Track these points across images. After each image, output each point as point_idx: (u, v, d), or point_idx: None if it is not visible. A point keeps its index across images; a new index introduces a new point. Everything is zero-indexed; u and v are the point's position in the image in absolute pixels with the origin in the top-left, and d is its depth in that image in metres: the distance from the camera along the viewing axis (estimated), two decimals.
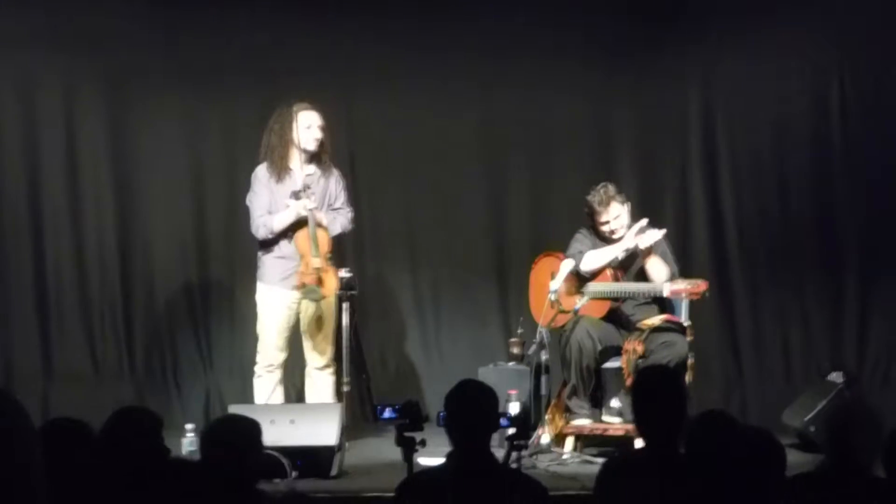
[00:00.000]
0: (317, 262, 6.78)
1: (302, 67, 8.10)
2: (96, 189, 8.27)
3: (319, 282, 6.81)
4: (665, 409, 4.05)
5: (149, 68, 8.13)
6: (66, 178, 8.20)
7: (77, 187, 8.23)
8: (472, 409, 4.01)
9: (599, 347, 6.86)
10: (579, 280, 7.03)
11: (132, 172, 8.29)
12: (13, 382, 7.86)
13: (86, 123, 8.22)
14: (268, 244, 6.96)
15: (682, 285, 6.72)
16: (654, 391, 4.16)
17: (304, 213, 6.79)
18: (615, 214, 6.97)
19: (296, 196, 6.81)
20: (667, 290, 6.75)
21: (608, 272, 7.01)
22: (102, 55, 8.10)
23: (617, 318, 7.04)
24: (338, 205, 7.14)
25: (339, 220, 7.12)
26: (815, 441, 6.82)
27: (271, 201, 6.92)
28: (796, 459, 6.06)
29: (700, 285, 6.72)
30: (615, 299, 7.00)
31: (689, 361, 6.78)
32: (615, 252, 6.94)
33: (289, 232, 6.91)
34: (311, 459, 6.13)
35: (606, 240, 7.04)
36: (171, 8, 8.05)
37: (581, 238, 7.08)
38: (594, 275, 7.00)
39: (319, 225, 6.88)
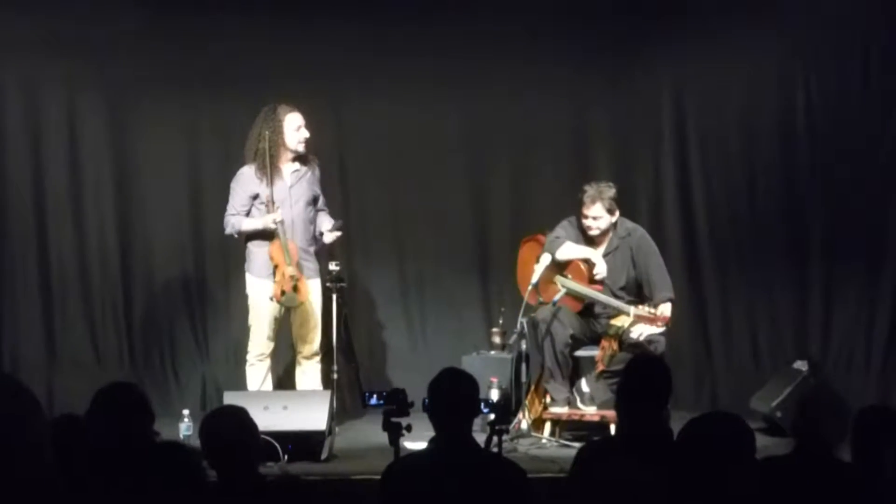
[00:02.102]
0: (291, 270, 7.04)
1: (293, 71, 8.24)
2: (97, 188, 8.45)
3: (295, 289, 7.09)
4: (652, 394, 4.13)
5: (148, 74, 8.29)
6: (68, 178, 8.39)
7: (79, 186, 8.41)
8: (453, 396, 4.11)
9: (570, 332, 7.04)
10: (558, 269, 7.21)
11: (132, 172, 8.48)
12: (19, 370, 8.06)
13: (87, 126, 8.40)
14: (255, 235, 7.20)
15: (645, 312, 6.82)
16: (645, 376, 4.23)
17: (272, 226, 7.06)
18: (595, 214, 7.17)
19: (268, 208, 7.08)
20: (632, 314, 6.86)
21: (584, 273, 7.18)
22: (104, 61, 8.27)
23: (592, 314, 7.26)
24: (321, 205, 7.41)
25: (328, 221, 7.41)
26: (781, 426, 7.09)
27: (250, 202, 7.14)
28: (764, 443, 6.29)
29: (663, 317, 6.82)
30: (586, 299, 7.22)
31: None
32: (588, 254, 7.16)
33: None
34: (303, 443, 6.30)
35: (585, 234, 7.25)
36: (170, 16, 8.20)
37: (566, 226, 7.28)
38: (564, 265, 7.20)
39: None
